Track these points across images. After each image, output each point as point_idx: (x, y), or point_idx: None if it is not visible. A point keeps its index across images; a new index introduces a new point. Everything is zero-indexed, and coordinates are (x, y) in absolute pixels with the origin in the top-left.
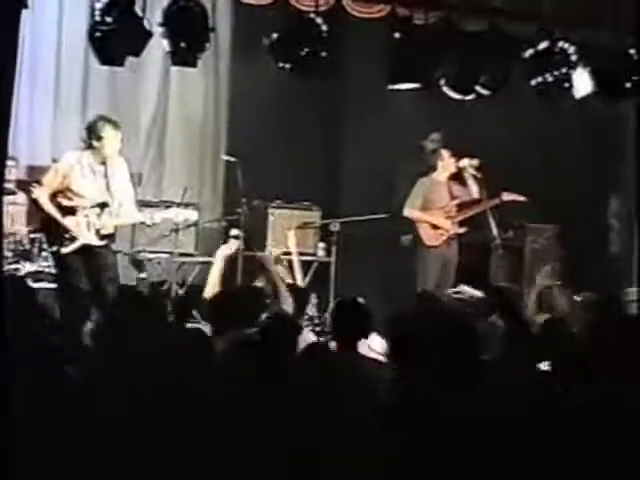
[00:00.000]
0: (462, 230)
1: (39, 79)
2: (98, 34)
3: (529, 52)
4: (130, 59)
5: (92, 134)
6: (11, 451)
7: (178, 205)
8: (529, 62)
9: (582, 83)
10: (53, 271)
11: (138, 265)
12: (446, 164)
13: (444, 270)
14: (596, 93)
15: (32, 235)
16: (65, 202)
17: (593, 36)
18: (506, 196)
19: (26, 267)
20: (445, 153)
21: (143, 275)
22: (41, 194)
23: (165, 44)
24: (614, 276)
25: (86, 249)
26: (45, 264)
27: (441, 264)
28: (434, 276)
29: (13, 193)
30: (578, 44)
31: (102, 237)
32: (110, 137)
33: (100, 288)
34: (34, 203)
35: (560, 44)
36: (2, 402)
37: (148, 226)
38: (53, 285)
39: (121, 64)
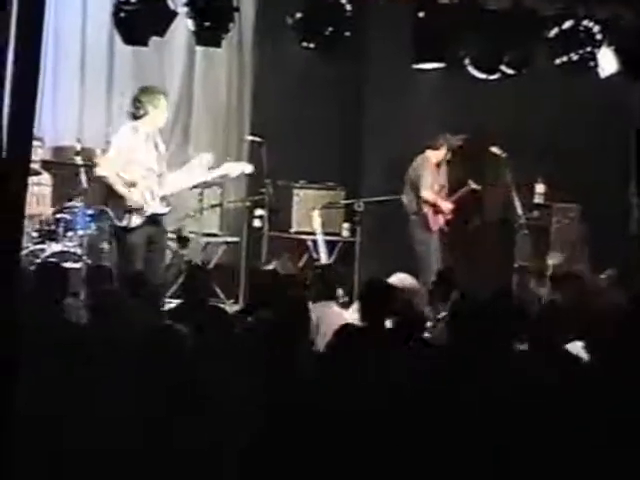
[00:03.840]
0: (451, 216)
1: (64, 59)
2: (122, 14)
3: (554, 31)
4: (154, 39)
5: (147, 102)
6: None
7: (206, 185)
8: (554, 41)
9: (607, 62)
10: (78, 251)
11: (182, 241)
12: (442, 153)
13: (446, 251)
14: (621, 72)
15: (57, 215)
16: (127, 176)
17: (618, 15)
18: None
19: (51, 247)
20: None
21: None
22: (108, 171)
23: (189, 24)
24: (636, 254)
25: (151, 220)
26: (70, 244)
27: (443, 246)
28: (438, 257)
29: (38, 173)
30: (602, 23)
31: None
32: (163, 105)
33: (154, 260)
34: (98, 180)
35: (585, 23)
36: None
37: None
38: (78, 265)
39: (145, 44)
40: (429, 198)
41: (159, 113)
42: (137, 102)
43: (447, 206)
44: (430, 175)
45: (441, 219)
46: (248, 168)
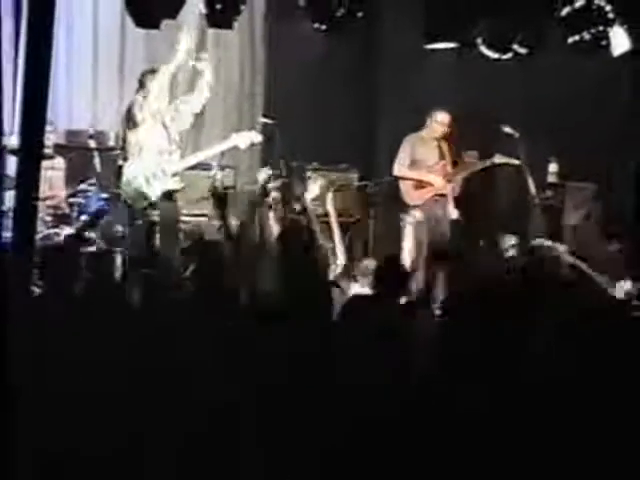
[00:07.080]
0: (452, 188)
1: (76, 43)
2: None
3: (566, 10)
4: (166, 21)
5: (149, 83)
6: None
7: (221, 168)
8: (566, 20)
9: (619, 41)
10: (92, 234)
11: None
12: (439, 125)
13: (433, 229)
14: (633, 51)
15: (71, 199)
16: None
17: None
18: (498, 158)
19: (65, 231)
20: (444, 116)
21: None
22: None
23: (201, 6)
24: None
25: (165, 197)
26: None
27: (429, 224)
28: (420, 236)
29: (51, 157)
30: (615, 1)
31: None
32: (164, 84)
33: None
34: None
35: (597, 1)
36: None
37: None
38: (92, 249)
39: (157, 26)
40: (397, 173)
41: (161, 92)
42: (140, 83)
43: (435, 180)
44: (405, 151)
45: (426, 194)
46: (257, 137)
